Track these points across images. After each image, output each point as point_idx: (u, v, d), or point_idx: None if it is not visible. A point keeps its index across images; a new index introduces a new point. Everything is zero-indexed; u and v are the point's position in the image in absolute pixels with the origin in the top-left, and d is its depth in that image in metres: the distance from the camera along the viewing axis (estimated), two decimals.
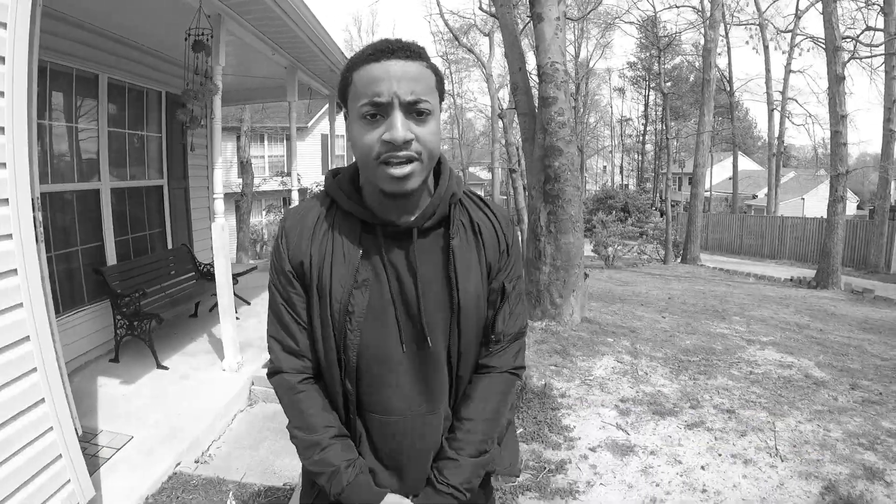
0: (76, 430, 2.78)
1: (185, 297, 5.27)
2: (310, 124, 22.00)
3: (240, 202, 16.98)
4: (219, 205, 4.04)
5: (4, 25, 2.16)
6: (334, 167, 1.19)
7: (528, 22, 7.23)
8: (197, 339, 5.17)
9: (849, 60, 11.97)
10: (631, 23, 28.23)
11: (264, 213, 22.71)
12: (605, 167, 53.81)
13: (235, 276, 5.43)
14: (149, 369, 4.46)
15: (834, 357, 5.61)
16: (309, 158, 21.64)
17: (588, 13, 22.99)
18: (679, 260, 18.74)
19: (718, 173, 38.22)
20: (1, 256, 2.13)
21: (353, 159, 1.11)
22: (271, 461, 3.30)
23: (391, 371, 1.11)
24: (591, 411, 4.03)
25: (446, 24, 23.57)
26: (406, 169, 0.99)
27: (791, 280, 13.18)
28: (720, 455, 3.40)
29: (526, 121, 6.65)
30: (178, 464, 3.18)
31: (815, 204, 28.84)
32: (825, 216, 13.12)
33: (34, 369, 2.29)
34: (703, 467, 3.25)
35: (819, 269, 12.08)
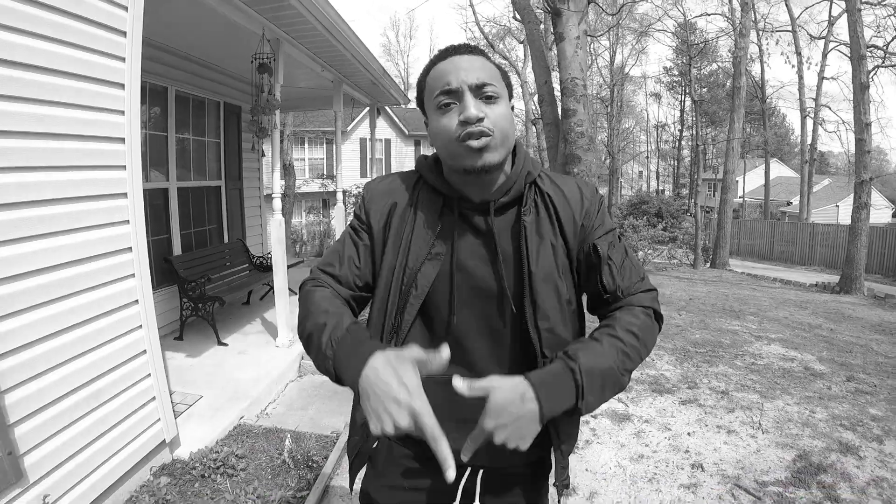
0: None
1: (240, 285, 5.90)
2: (349, 128, 22.75)
3: (282, 203, 17.72)
4: (277, 203, 4.67)
5: (123, 59, 2.78)
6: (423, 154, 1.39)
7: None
8: (251, 322, 5.83)
9: (874, 69, 12.10)
10: (661, 31, 28.25)
11: (304, 214, 23.55)
12: (640, 172, 53.58)
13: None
14: (210, 346, 5.10)
15: (837, 353, 5.87)
16: (348, 161, 22.43)
17: (605, 32, 23.20)
18: (708, 265, 18.83)
19: (754, 180, 37.70)
20: (121, 237, 2.76)
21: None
22: (320, 418, 3.88)
23: (438, 337, 1.16)
24: None
25: (482, 32, 24.24)
26: (483, 140, 1.05)
27: (816, 285, 13.30)
28: (707, 426, 3.85)
29: (550, 130, 7.14)
30: (242, 417, 3.78)
31: (848, 211, 28.44)
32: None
33: (140, 326, 2.90)
34: (689, 434, 3.71)
35: (843, 274, 12.22)
